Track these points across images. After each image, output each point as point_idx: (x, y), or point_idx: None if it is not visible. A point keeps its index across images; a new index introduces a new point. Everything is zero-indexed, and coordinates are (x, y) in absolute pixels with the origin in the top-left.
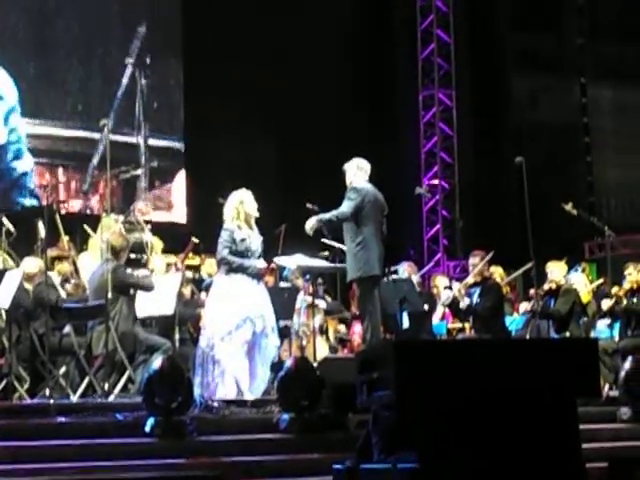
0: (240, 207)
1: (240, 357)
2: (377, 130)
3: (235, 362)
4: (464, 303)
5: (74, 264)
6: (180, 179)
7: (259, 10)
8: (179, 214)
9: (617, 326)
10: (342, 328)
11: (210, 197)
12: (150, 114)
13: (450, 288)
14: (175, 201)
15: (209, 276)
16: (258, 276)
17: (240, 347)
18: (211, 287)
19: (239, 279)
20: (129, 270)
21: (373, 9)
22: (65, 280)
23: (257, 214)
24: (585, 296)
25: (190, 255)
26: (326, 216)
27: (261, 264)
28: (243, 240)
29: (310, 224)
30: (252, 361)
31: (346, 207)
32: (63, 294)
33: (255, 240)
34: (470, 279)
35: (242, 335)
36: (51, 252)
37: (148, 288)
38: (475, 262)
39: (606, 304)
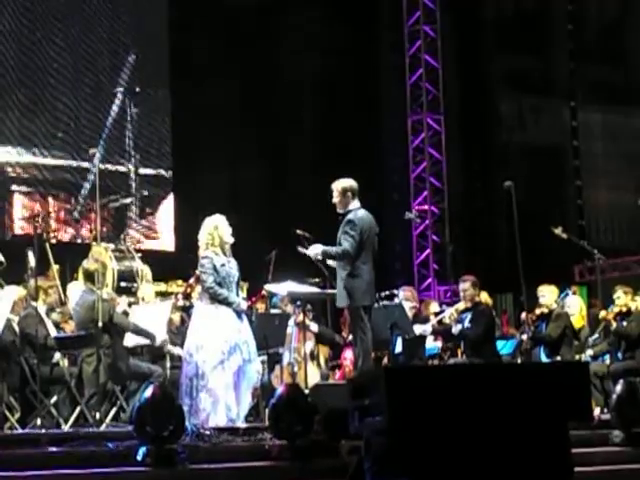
0: (215, 233)
1: (230, 385)
2: (366, 155)
3: (227, 391)
4: (456, 329)
5: (60, 293)
6: (165, 207)
7: (246, 38)
8: (166, 242)
9: None
10: (332, 355)
11: (199, 224)
12: (139, 142)
13: (441, 313)
14: (161, 229)
15: None
16: (239, 313)
17: (232, 375)
18: (193, 314)
19: (223, 307)
20: (113, 304)
21: (361, 35)
22: (51, 309)
23: (232, 240)
24: (579, 320)
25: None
26: (332, 252)
27: (244, 305)
28: (223, 265)
29: (315, 252)
30: (238, 389)
31: (349, 246)
32: (50, 325)
33: (233, 266)
34: (461, 305)
35: (234, 363)
36: (40, 282)
37: (132, 330)
38: (465, 287)
39: (596, 349)
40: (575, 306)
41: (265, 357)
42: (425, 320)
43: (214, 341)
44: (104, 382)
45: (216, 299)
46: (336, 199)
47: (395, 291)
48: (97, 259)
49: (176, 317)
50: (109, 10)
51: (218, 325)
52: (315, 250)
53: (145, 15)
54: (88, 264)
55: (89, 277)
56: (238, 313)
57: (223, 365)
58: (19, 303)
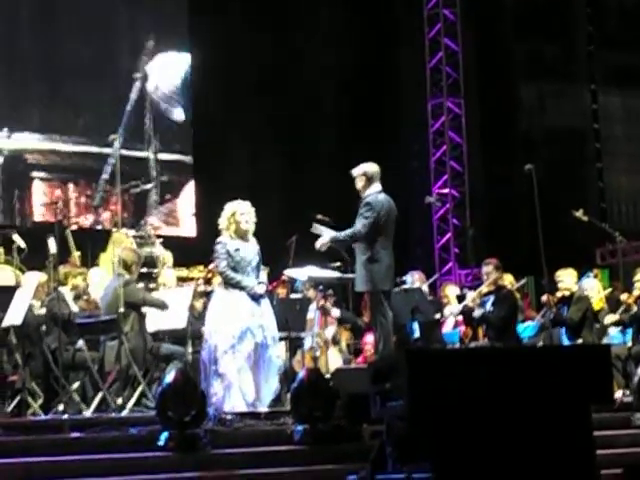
0: (232, 219)
1: (245, 370)
2: (386, 139)
3: (241, 375)
4: (478, 312)
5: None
6: (186, 193)
7: (266, 27)
8: (187, 228)
9: (630, 332)
10: (354, 339)
11: (220, 210)
12: (159, 128)
13: (462, 297)
14: (182, 215)
15: None
16: (255, 297)
17: (244, 360)
18: (211, 300)
19: (237, 291)
20: (140, 285)
21: (380, 19)
22: (77, 296)
23: (249, 226)
24: (598, 303)
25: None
26: (340, 236)
27: (261, 289)
28: (237, 250)
29: (322, 243)
30: (257, 374)
31: (361, 226)
32: (75, 308)
33: (250, 250)
34: (484, 288)
35: (245, 347)
36: (62, 268)
37: (161, 306)
38: (488, 270)
39: (610, 319)
40: (592, 289)
41: (286, 342)
42: (440, 307)
43: (225, 326)
44: (126, 367)
45: (229, 283)
46: (358, 184)
47: (404, 277)
48: (133, 249)
49: (199, 304)
50: None
51: (230, 309)
52: (323, 241)
53: (163, 1)
54: (125, 254)
55: (125, 264)
56: (254, 297)
57: (234, 349)
58: (40, 289)
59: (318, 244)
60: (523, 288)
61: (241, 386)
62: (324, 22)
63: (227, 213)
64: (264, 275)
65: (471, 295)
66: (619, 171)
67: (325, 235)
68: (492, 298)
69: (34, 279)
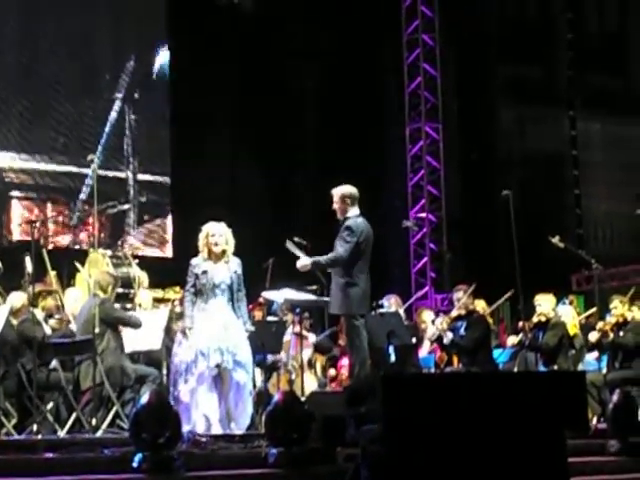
0: (204, 240)
1: (202, 392)
2: (364, 163)
3: (198, 397)
4: (447, 338)
5: (60, 299)
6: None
7: (246, 44)
8: (164, 248)
9: (605, 359)
10: (331, 370)
11: (197, 231)
12: (138, 149)
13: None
14: (159, 236)
15: None
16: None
17: (197, 382)
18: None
19: (200, 313)
20: (117, 305)
21: (360, 43)
22: (49, 316)
23: (220, 248)
24: (572, 329)
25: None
26: (322, 261)
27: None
28: (204, 272)
29: (303, 264)
30: (227, 398)
31: (343, 250)
32: (47, 330)
33: (219, 272)
34: (454, 312)
35: (197, 370)
36: (40, 288)
37: (134, 325)
38: (459, 296)
39: (593, 336)
40: (566, 315)
41: (262, 365)
42: (416, 331)
43: (182, 348)
44: (100, 385)
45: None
46: (335, 205)
47: (381, 301)
48: (107, 272)
49: (176, 326)
50: (109, 18)
51: (192, 332)
52: (304, 262)
53: (144, 22)
54: (100, 276)
55: (100, 287)
56: (223, 318)
57: (187, 372)
58: (22, 309)
59: (299, 265)
60: (497, 312)
61: (203, 409)
62: (304, 46)
63: (202, 235)
64: (244, 305)
65: (440, 320)
66: (597, 197)
67: (305, 258)
68: (464, 323)
69: (15, 300)
